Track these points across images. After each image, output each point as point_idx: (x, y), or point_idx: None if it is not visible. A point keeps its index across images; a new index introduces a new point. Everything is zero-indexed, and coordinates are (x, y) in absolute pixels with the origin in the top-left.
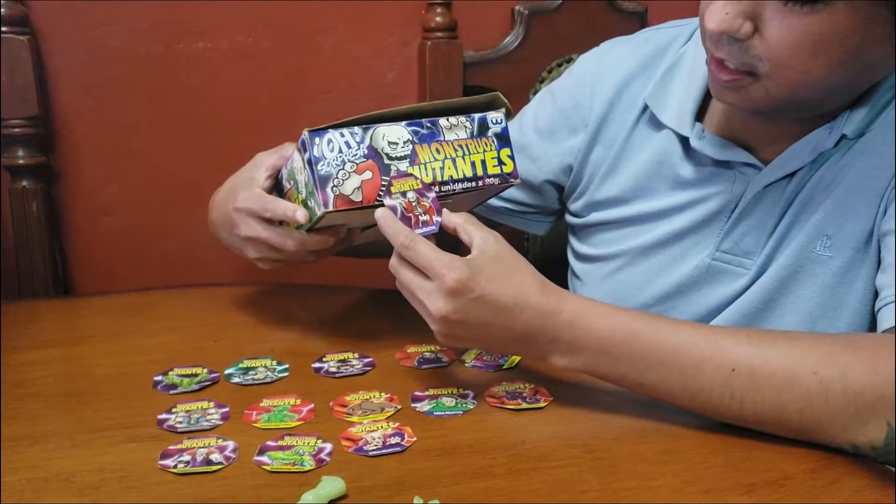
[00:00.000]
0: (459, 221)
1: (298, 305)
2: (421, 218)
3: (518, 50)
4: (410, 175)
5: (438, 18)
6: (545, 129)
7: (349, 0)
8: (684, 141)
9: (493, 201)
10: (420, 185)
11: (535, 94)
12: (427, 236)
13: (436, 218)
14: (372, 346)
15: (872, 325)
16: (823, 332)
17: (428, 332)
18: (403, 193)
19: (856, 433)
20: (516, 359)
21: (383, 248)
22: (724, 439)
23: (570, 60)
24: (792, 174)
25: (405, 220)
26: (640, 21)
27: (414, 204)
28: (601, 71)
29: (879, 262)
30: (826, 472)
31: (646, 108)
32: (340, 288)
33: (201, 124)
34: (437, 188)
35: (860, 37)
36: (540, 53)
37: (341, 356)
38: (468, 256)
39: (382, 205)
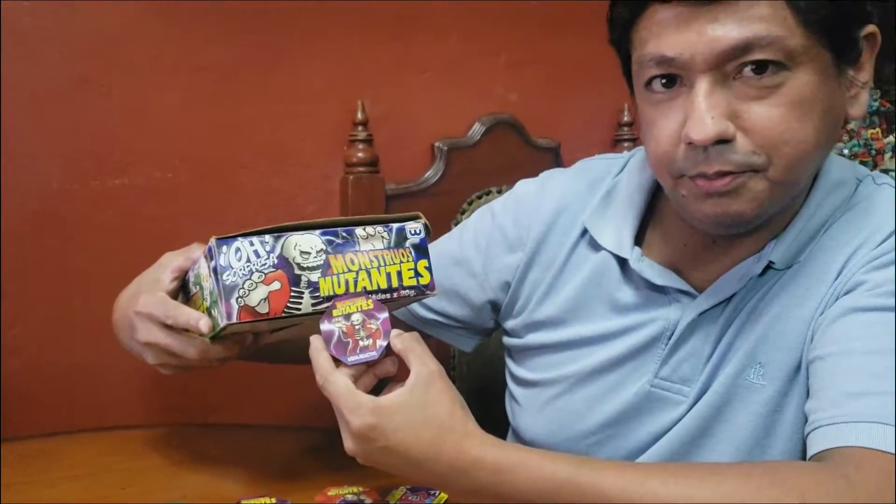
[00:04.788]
0: (403, 347)
1: (213, 447)
2: (361, 343)
3: (438, 183)
4: (362, 295)
5: (360, 154)
6: (483, 245)
7: (270, 134)
8: (622, 264)
9: (424, 313)
10: (371, 306)
11: (456, 224)
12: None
13: (379, 343)
14: (291, 488)
15: (803, 453)
16: (756, 459)
17: (349, 474)
18: (348, 316)
19: None
20: (444, 496)
21: (290, 353)
22: None
23: (489, 193)
24: (727, 302)
25: (342, 345)
26: (553, 155)
27: (357, 327)
28: (542, 195)
29: (808, 390)
30: None
31: (584, 231)
32: (258, 427)
33: (115, 262)
34: None
35: (823, 91)
36: (460, 186)
37: (258, 501)
38: (387, 397)
39: (290, 316)
